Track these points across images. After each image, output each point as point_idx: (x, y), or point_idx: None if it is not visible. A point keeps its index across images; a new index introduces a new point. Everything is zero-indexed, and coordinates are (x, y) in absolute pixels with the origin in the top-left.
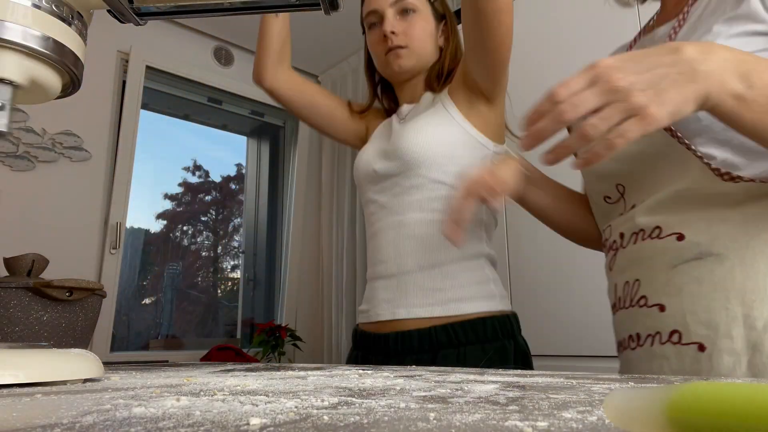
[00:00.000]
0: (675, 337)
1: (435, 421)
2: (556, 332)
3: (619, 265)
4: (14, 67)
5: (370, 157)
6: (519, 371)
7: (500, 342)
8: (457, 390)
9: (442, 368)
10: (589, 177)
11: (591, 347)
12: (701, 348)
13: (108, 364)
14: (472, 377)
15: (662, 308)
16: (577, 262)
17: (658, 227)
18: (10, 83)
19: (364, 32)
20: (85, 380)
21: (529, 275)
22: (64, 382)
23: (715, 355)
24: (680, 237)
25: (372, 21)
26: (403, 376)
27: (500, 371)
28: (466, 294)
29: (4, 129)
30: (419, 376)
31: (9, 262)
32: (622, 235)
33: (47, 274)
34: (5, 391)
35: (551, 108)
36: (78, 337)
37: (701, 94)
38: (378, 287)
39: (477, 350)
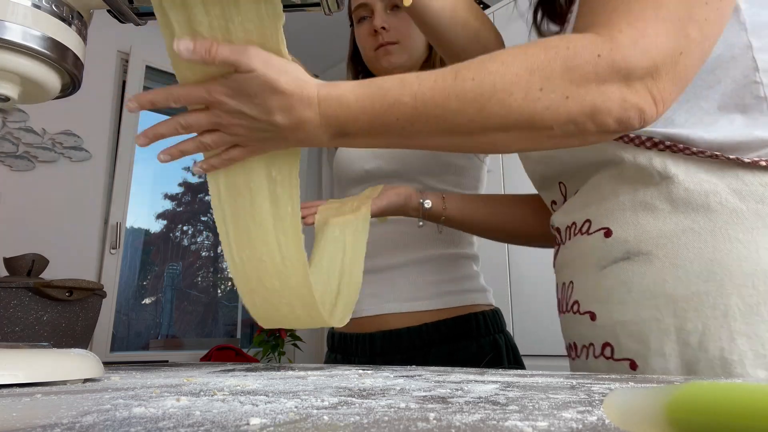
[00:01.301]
0: (607, 351)
1: (435, 421)
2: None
3: (558, 264)
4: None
5: (359, 155)
6: (519, 371)
7: (492, 336)
8: (457, 390)
9: (442, 368)
10: (535, 182)
11: None
12: (633, 366)
13: (108, 364)
14: (472, 377)
15: (593, 316)
16: None
17: (588, 220)
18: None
19: (351, 24)
20: (85, 380)
21: (529, 275)
22: (64, 382)
23: (648, 375)
24: (607, 233)
25: (361, 15)
26: (403, 376)
27: (500, 371)
28: (458, 287)
29: None
30: (419, 376)
31: (9, 262)
32: (558, 231)
33: (47, 274)
34: (5, 391)
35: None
36: (78, 337)
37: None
38: (363, 281)
39: (471, 346)
